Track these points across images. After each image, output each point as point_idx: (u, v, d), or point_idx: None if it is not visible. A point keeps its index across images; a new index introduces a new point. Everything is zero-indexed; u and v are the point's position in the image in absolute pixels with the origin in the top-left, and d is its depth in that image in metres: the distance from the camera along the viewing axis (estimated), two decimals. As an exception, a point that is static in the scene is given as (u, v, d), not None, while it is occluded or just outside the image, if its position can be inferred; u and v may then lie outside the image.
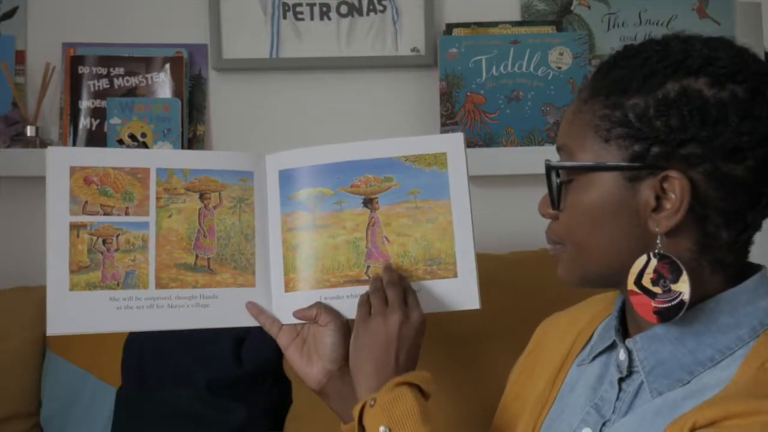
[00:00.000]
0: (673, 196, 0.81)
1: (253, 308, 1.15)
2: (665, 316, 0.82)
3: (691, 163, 0.81)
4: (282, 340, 1.15)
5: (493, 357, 1.48)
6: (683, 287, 0.81)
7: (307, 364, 1.13)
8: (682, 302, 0.81)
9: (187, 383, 1.57)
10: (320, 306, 1.13)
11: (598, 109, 0.84)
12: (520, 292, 1.54)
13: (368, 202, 1.16)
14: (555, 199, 0.88)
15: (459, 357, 1.53)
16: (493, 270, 1.54)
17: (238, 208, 1.16)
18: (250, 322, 1.15)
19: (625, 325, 0.93)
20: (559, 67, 1.81)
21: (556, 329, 1.07)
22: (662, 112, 0.81)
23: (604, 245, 0.86)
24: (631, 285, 0.84)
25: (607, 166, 0.84)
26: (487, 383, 1.40)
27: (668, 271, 0.81)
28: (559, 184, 0.87)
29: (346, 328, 1.13)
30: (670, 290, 0.81)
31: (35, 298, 1.52)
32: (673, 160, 0.81)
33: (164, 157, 1.18)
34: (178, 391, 1.57)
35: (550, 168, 0.87)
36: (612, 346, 0.93)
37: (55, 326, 1.10)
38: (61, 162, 1.14)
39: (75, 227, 1.12)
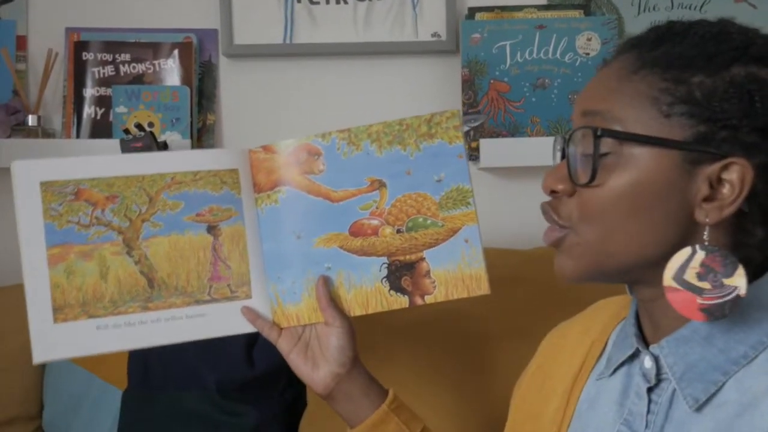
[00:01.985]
0: (729, 185, 0.78)
1: (249, 313, 1.10)
2: (716, 313, 0.78)
3: (751, 152, 0.77)
4: (283, 346, 1.11)
5: (506, 361, 1.46)
6: (739, 281, 0.77)
7: (313, 368, 1.10)
8: (737, 297, 0.77)
9: (196, 385, 1.56)
10: (328, 301, 1.08)
11: (655, 81, 0.80)
12: (544, 290, 1.50)
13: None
14: (578, 172, 0.82)
15: (465, 360, 1.50)
16: (516, 266, 1.56)
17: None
18: (246, 328, 1.11)
19: (641, 330, 0.89)
20: (587, 53, 1.78)
21: (565, 341, 1.03)
22: (732, 95, 0.77)
23: (637, 233, 0.80)
24: (668, 280, 0.79)
25: (675, 142, 0.78)
26: (495, 391, 1.40)
27: (720, 264, 0.77)
28: (596, 155, 0.80)
29: (352, 328, 1.10)
30: (722, 285, 0.77)
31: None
32: (736, 146, 0.77)
33: (141, 162, 1.10)
34: (187, 393, 1.56)
35: (596, 133, 0.80)
36: (634, 355, 0.89)
37: (40, 354, 1.04)
38: (29, 178, 1.05)
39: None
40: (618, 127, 0.80)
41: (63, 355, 1.06)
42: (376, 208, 1.07)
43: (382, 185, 1.07)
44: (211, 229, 1.09)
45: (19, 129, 1.82)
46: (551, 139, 1.61)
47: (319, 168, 1.08)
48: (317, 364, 1.10)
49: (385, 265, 1.07)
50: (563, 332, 1.05)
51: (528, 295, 1.52)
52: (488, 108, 1.78)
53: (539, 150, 1.71)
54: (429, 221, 1.06)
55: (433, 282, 1.05)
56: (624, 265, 0.82)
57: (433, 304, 1.06)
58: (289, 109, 1.89)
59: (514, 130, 1.78)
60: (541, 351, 1.07)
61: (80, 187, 1.05)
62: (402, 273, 1.06)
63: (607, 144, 0.81)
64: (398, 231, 1.07)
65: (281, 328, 1.11)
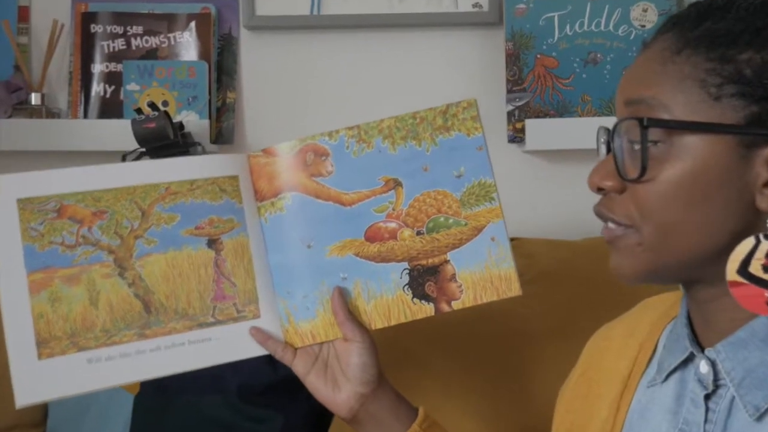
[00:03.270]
0: None
1: (259, 334, 1.07)
2: None
3: None
4: (299, 368, 1.08)
5: (549, 364, 1.44)
6: None
7: (335, 390, 1.07)
8: None
9: (215, 389, 1.52)
10: (346, 315, 1.06)
11: (700, 61, 0.79)
12: (593, 285, 1.47)
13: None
14: (626, 166, 0.81)
15: (503, 364, 1.48)
16: (563, 259, 1.55)
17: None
18: (256, 351, 1.07)
19: (693, 331, 0.88)
20: (643, 26, 1.75)
21: (610, 344, 1.01)
22: None
23: (697, 226, 0.79)
24: (732, 274, 0.77)
25: (727, 127, 0.77)
26: (536, 397, 1.41)
27: None
28: (644, 148, 0.79)
29: (374, 342, 1.07)
30: None
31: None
32: None
33: (131, 172, 1.06)
34: (205, 397, 1.52)
35: (642, 124, 0.79)
36: (687, 359, 0.88)
37: (23, 396, 0.98)
38: (4, 195, 1.01)
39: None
40: (665, 115, 0.80)
41: (50, 395, 1.00)
42: (393, 209, 1.05)
43: (397, 184, 1.06)
44: (212, 242, 1.05)
45: (22, 108, 1.79)
46: (604, 119, 1.69)
47: (328, 169, 1.06)
48: (338, 385, 1.07)
49: (407, 271, 1.06)
50: (607, 334, 1.04)
51: (575, 291, 1.50)
52: (534, 85, 1.75)
53: (590, 131, 1.56)
54: (451, 220, 1.05)
55: (460, 286, 1.04)
56: (685, 263, 0.81)
57: (462, 309, 1.05)
58: (316, 87, 1.86)
59: (562, 110, 1.75)
60: (584, 356, 1.06)
61: (63, 203, 1.01)
62: (425, 278, 1.05)
63: (655, 134, 0.80)
64: (418, 233, 1.05)
65: (296, 348, 1.08)
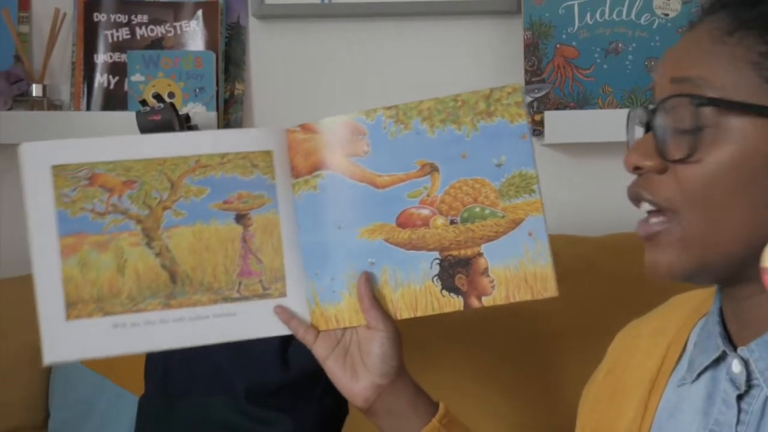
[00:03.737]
0: None
1: (283, 313, 1.07)
2: None
3: None
4: (320, 351, 1.08)
5: (573, 363, 1.41)
6: None
7: (352, 378, 1.06)
8: None
9: (222, 389, 1.51)
10: (371, 301, 1.04)
11: (753, 44, 0.78)
12: (617, 282, 1.46)
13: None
14: (669, 146, 0.80)
15: (526, 362, 1.47)
16: (585, 255, 1.53)
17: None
18: (279, 330, 1.08)
19: (725, 329, 0.88)
20: (666, 14, 1.74)
21: (638, 341, 1.00)
22: None
23: (743, 215, 0.79)
24: (766, 261, 0.76)
25: None
26: (559, 397, 1.39)
27: None
28: (694, 127, 0.78)
29: (398, 333, 1.06)
30: None
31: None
32: None
33: (162, 143, 1.08)
34: (212, 398, 1.51)
35: (694, 102, 0.78)
36: (719, 357, 0.86)
37: (51, 354, 1.03)
38: (39, 161, 1.05)
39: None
40: (715, 96, 0.79)
41: (76, 355, 1.06)
42: (427, 195, 1.03)
43: (433, 169, 1.03)
44: (240, 218, 1.07)
45: (22, 100, 1.77)
46: (626, 111, 1.62)
47: (364, 149, 1.05)
48: (357, 374, 1.06)
49: (437, 261, 1.03)
50: (635, 332, 1.02)
51: (598, 288, 1.49)
52: (554, 76, 1.75)
53: (612, 124, 1.60)
54: (487, 211, 1.01)
55: (492, 281, 1.02)
56: (729, 257, 0.80)
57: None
58: (327, 78, 1.85)
59: (583, 102, 1.74)
60: (610, 354, 1.04)
61: (95, 172, 1.04)
62: (456, 270, 1.03)
63: (705, 114, 0.79)
64: (452, 222, 1.03)
65: (318, 331, 1.08)
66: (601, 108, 1.73)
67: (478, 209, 1.02)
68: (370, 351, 1.05)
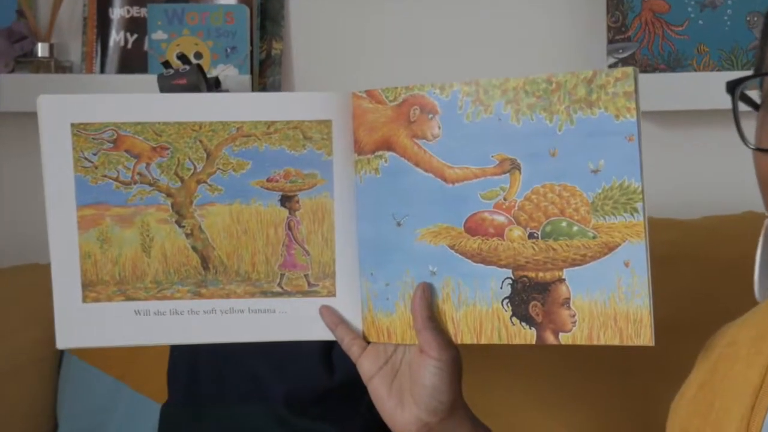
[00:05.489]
0: None
1: (330, 315, 1.03)
2: None
3: None
4: (365, 366, 1.02)
5: (654, 368, 1.33)
6: None
7: (398, 405, 1.00)
8: None
9: (258, 397, 1.45)
10: (427, 320, 0.97)
11: None
12: (712, 273, 1.41)
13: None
14: None
15: (597, 369, 1.39)
16: (678, 241, 1.48)
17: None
18: (323, 334, 1.05)
19: None
20: None
21: (737, 350, 0.95)
22: None
23: None
24: None
25: None
26: (639, 408, 1.35)
27: None
28: None
29: (458, 360, 0.99)
30: None
31: (49, 280, 1.39)
32: None
33: (200, 105, 1.04)
34: (246, 407, 1.46)
35: None
36: None
37: (65, 338, 1.04)
38: (58, 117, 1.02)
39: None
40: None
41: (93, 342, 1.07)
42: (504, 198, 0.94)
43: (514, 167, 0.93)
44: (286, 200, 1.02)
45: (26, 61, 1.71)
46: (724, 74, 1.62)
47: (434, 132, 0.96)
48: (403, 401, 1.00)
49: (509, 282, 0.95)
50: (731, 339, 0.98)
51: (690, 279, 1.41)
52: (641, 34, 1.65)
53: (708, 88, 1.56)
54: (575, 228, 0.91)
55: (573, 315, 0.92)
56: None
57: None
58: (377, 37, 1.75)
59: (674, 63, 1.65)
60: (703, 364, 0.99)
61: (120, 133, 1.02)
62: (531, 295, 0.94)
63: None
64: (531, 236, 0.94)
65: (368, 342, 1.03)
66: (695, 70, 1.63)
67: (564, 224, 0.92)
68: (419, 380, 0.98)
